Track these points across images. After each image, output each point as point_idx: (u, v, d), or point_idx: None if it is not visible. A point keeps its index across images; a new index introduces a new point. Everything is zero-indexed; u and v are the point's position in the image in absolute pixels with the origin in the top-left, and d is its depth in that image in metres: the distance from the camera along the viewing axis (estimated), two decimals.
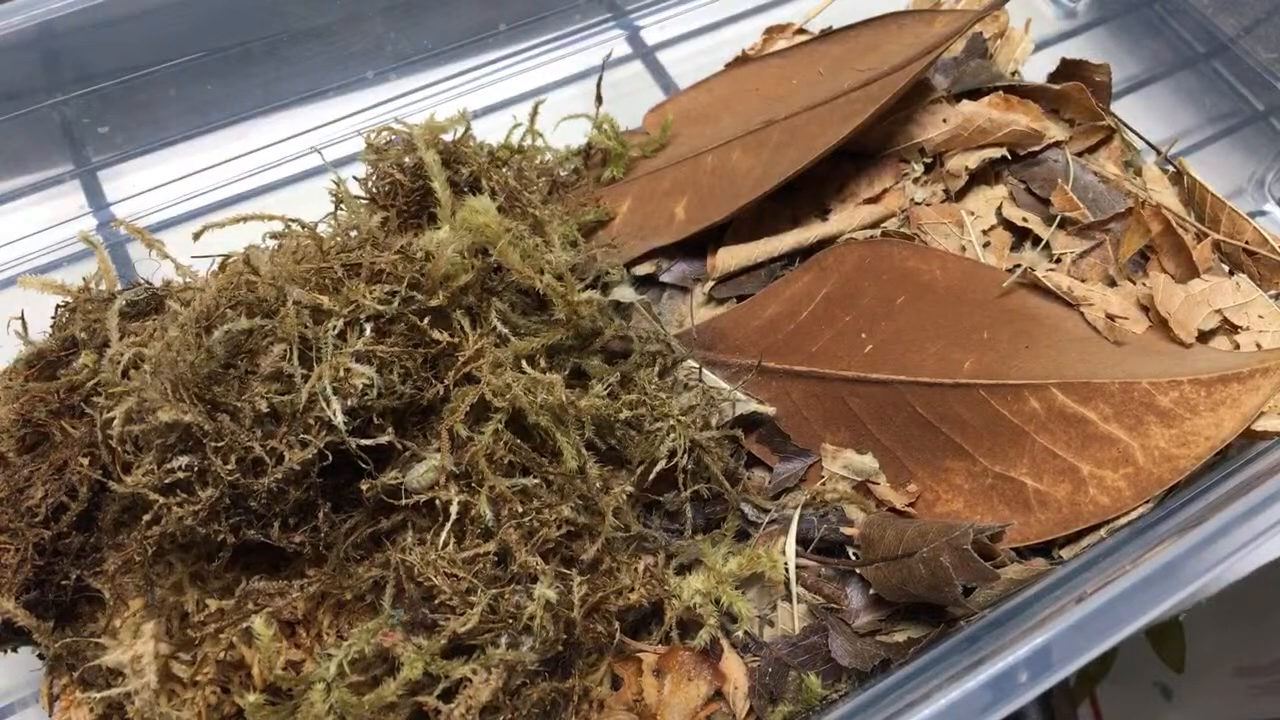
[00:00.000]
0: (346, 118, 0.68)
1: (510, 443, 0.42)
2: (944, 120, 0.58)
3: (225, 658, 0.40)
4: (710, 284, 0.57)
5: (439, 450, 0.41)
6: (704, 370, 0.50)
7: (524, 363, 0.43)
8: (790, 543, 0.48)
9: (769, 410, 0.51)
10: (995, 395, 0.49)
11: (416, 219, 0.48)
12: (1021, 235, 0.57)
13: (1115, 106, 0.62)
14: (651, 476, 0.46)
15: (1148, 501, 0.46)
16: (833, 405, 0.51)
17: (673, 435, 0.46)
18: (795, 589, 0.47)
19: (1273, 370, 0.46)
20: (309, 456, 0.39)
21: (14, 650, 0.45)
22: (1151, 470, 0.46)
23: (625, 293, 0.51)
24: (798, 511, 0.48)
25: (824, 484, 0.50)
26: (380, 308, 0.40)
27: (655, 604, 0.45)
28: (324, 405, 0.38)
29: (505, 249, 0.42)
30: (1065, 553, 0.47)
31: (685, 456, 0.46)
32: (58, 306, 0.48)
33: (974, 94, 0.60)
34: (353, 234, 0.46)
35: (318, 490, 0.40)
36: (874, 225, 0.57)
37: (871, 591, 0.46)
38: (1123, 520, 0.46)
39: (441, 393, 0.41)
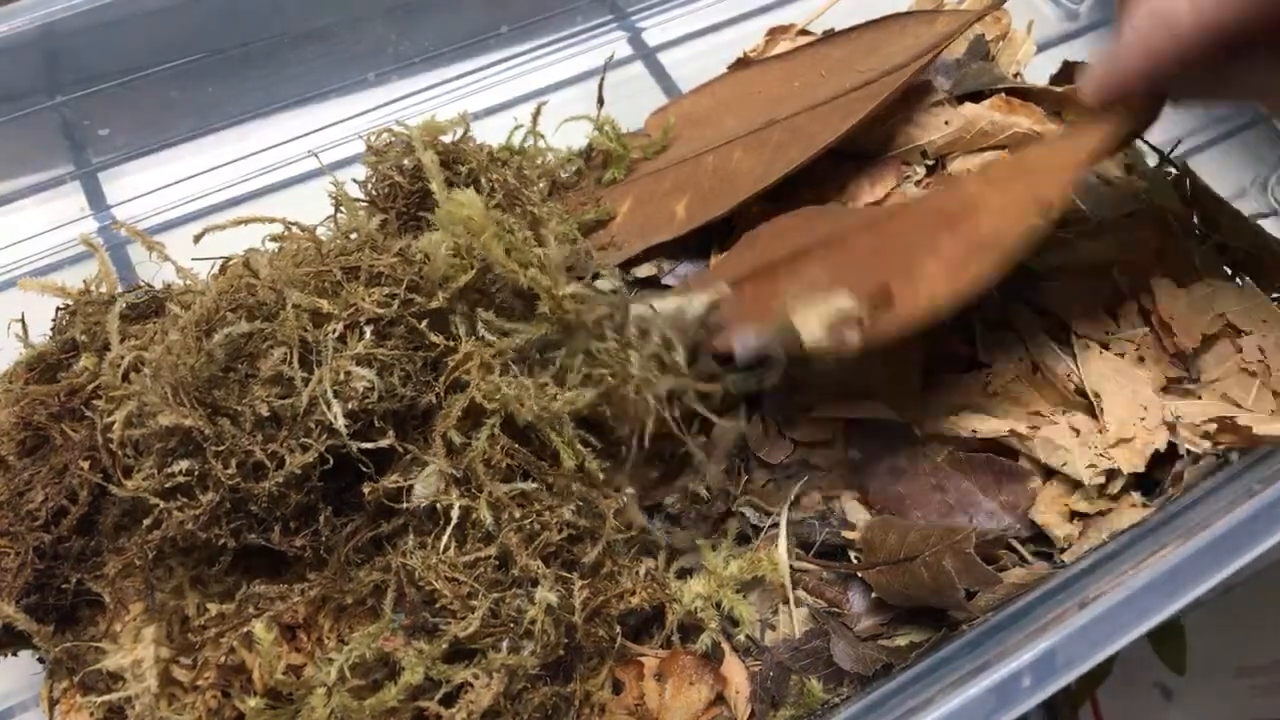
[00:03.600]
0: (348, 120, 0.68)
1: (507, 447, 0.42)
2: (946, 122, 0.58)
3: (226, 662, 0.40)
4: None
5: (439, 454, 0.41)
6: (654, 302, 0.48)
7: (506, 366, 0.43)
8: (782, 543, 0.47)
9: (724, 289, 0.49)
10: (935, 197, 0.49)
11: (416, 221, 0.48)
12: None
13: None
14: (647, 438, 0.44)
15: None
16: (790, 280, 0.49)
17: (643, 393, 0.44)
18: (793, 592, 0.47)
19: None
20: (310, 460, 0.39)
21: (14, 654, 0.45)
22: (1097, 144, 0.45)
23: (606, 285, 0.50)
24: (784, 510, 0.48)
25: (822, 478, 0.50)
26: (380, 311, 0.40)
27: (656, 608, 0.45)
28: (325, 409, 0.38)
29: (489, 242, 0.42)
30: (1068, 556, 0.47)
31: (668, 407, 0.45)
32: (58, 309, 0.48)
33: (976, 96, 0.60)
34: (352, 237, 0.46)
35: (319, 494, 0.40)
36: None
37: (873, 595, 0.46)
38: (1126, 522, 0.46)
39: (436, 398, 0.41)
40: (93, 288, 0.48)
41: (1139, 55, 0.41)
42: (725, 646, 0.45)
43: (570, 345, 0.45)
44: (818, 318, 0.45)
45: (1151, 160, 0.61)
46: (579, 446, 0.43)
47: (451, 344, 0.42)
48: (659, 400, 0.44)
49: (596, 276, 0.50)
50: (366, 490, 0.40)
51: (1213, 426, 0.48)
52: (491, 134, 0.56)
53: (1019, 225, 0.45)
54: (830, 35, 0.64)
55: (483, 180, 0.48)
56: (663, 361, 0.45)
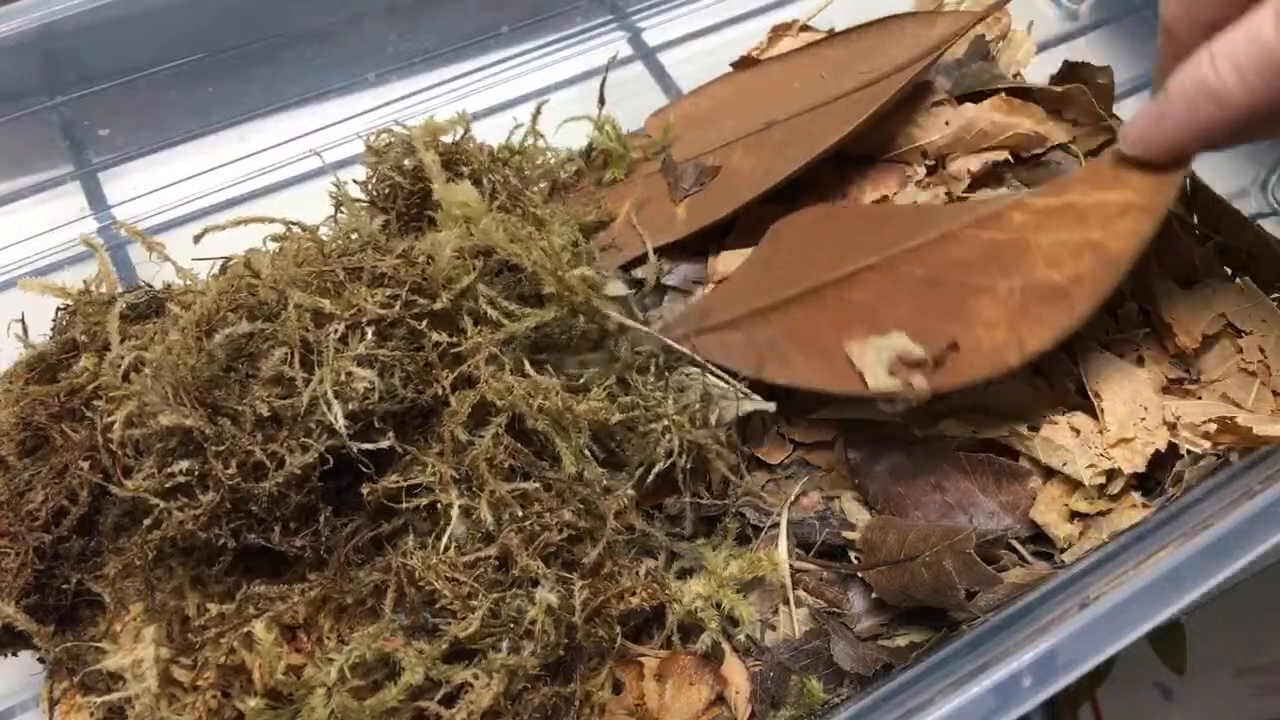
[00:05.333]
0: (348, 120, 0.68)
1: (510, 447, 0.42)
2: (946, 123, 0.58)
3: (226, 662, 0.40)
4: (712, 287, 0.57)
5: (440, 454, 0.41)
6: (705, 371, 0.50)
7: (525, 364, 0.43)
8: (782, 543, 0.47)
9: (769, 407, 0.50)
10: (981, 226, 0.49)
11: (417, 222, 0.48)
12: None
13: (1118, 109, 0.62)
14: (650, 478, 0.46)
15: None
16: (838, 309, 0.50)
17: (668, 436, 0.45)
18: (793, 592, 0.47)
19: None
20: (310, 460, 0.39)
21: (14, 654, 0.45)
22: (1149, 198, 0.47)
23: (616, 286, 0.50)
24: (784, 510, 0.48)
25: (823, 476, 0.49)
26: (382, 311, 0.40)
27: (657, 608, 0.45)
28: (325, 409, 0.38)
29: (488, 227, 0.42)
30: (1068, 556, 0.47)
31: (684, 457, 0.46)
32: (58, 309, 0.48)
33: (976, 96, 0.60)
34: (353, 237, 0.46)
35: (318, 494, 0.40)
36: None
37: (873, 595, 0.46)
38: (1127, 522, 0.46)
39: (437, 396, 0.41)
40: (93, 288, 0.48)
41: (1186, 126, 0.42)
42: (725, 646, 0.45)
43: (601, 357, 0.46)
44: (881, 362, 0.47)
45: None
46: (585, 453, 0.43)
47: (456, 340, 0.42)
48: (682, 448, 0.45)
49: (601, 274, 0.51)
50: (365, 491, 0.40)
51: (1213, 426, 0.48)
52: (491, 134, 0.56)
53: (1079, 277, 0.47)
54: (831, 36, 0.64)
55: (484, 180, 0.48)
56: (693, 418, 0.46)
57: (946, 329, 0.48)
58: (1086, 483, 0.47)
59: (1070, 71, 0.61)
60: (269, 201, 0.66)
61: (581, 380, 0.45)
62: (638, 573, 0.44)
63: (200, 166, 0.66)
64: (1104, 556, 0.45)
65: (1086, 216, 0.48)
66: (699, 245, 0.58)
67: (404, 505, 0.40)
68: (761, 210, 0.57)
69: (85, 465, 0.42)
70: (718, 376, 0.50)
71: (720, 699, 0.44)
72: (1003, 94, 0.59)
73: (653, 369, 0.48)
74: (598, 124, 0.60)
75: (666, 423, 0.45)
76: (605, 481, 0.44)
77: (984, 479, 0.49)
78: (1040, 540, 0.48)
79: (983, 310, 0.48)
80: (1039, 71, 0.64)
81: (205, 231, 0.48)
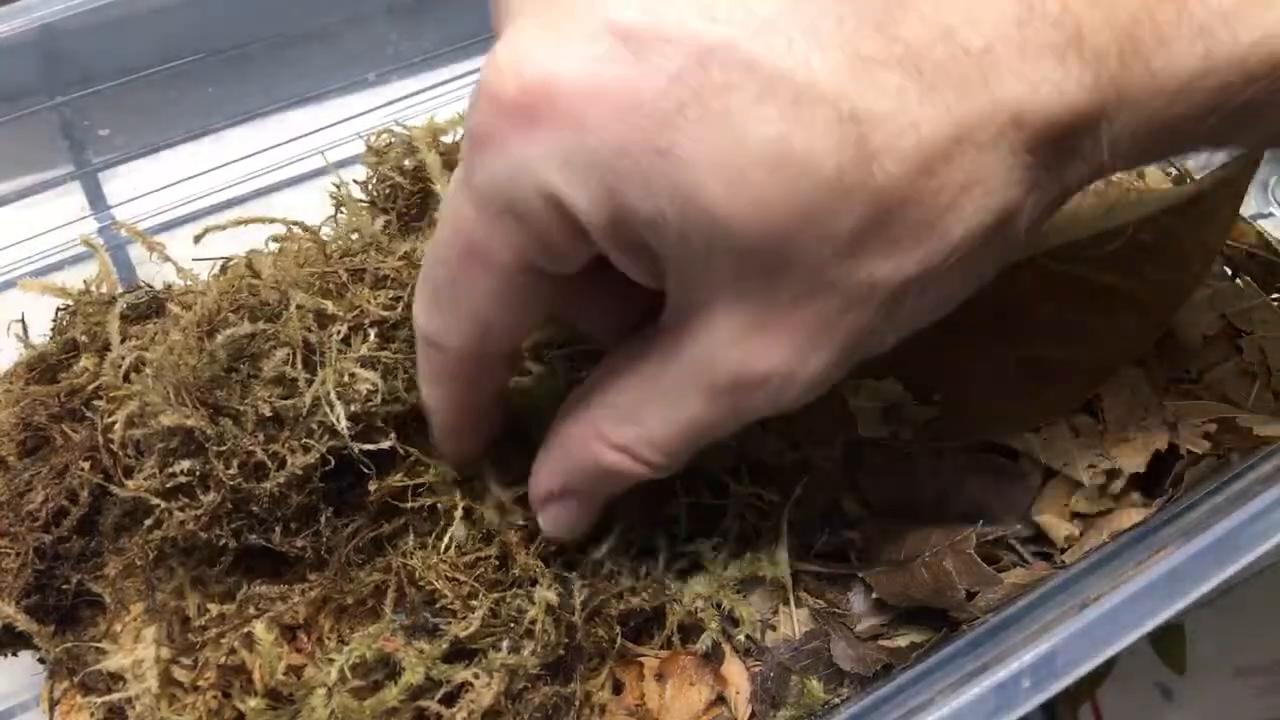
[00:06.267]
0: (348, 120, 0.68)
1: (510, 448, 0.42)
2: None
3: (226, 662, 0.40)
4: None
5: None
6: None
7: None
8: (783, 542, 0.47)
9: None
10: (993, 281, 0.49)
11: (418, 222, 0.48)
12: None
13: None
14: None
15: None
16: None
17: None
18: (793, 592, 0.47)
19: (1232, 176, 0.46)
20: (312, 461, 0.39)
21: (14, 654, 0.45)
22: (1157, 299, 0.47)
23: None
24: (784, 510, 0.48)
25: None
26: (384, 313, 0.40)
27: (656, 608, 0.45)
28: (327, 410, 0.38)
29: None
30: (1068, 556, 0.47)
31: None
32: (58, 309, 0.48)
33: None
34: (355, 237, 0.46)
35: (320, 495, 0.40)
36: None
37: (873, 595, 0.46)
38: (1127, 522, 0.46)
39: None
40: (93, 288, 0.48)
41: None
42: (725, 647, 0.45)
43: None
44: (874, 409, 0.48)
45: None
46: None
47: None
48: None
49: None
50: (372, 488, 0.40)
51: (1213, 426, 0.48)
52: None
53: (1068, 364, 0.47)
54: None
55: None
56: None
57: (940, 381, 0.48)
58: (1086, 483, 0.47)
59: None
60: (269, 201, 0.66)
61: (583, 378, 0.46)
62: (638, 572, 0.44)
63: (200, 166, 0.66)
64: (1104, 556, 0.45)
65: (1094, 297, 0.47)
66: None
67: (407, 505, 0.40)
68: None
69: (85, 465, 0.42)
70: None
71: (720, 699, 0.44)
72: None
73: None
74: None
75: None
76: None
77: (984, 479, 0.49)
78: (1040, 540, 0.48)
79: (976, 372, 0.48)
80: None
81: (205, 231, 0.48)
